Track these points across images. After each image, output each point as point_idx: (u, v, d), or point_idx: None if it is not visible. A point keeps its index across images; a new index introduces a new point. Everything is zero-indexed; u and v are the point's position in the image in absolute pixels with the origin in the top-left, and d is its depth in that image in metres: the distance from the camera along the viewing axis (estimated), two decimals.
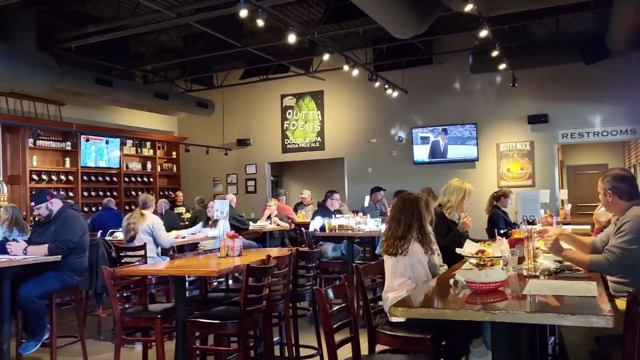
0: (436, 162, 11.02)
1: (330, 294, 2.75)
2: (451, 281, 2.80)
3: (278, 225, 8.62)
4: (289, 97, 12.60)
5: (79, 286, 5.11)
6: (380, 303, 3.57)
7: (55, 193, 5.21)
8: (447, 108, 10.94)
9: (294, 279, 4.70)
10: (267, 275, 3.82)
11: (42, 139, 9.57)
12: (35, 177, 9.39)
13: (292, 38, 7.53)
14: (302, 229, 7.88)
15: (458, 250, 3.56)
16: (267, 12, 6.53)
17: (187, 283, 5.19)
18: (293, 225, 9.02)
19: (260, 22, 6.39)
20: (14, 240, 5.10)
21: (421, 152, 11.17)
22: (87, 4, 8.25)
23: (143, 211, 6.22)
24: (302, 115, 12.47)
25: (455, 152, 10.92)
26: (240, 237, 4.56)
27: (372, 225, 6.89)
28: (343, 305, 2.97)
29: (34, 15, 8.17)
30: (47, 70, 8.44)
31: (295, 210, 10.17)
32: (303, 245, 7.51)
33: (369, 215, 7.49)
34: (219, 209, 4.66)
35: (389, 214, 5.99)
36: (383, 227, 6.50)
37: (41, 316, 4.71)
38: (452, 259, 3.84)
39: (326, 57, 8.79)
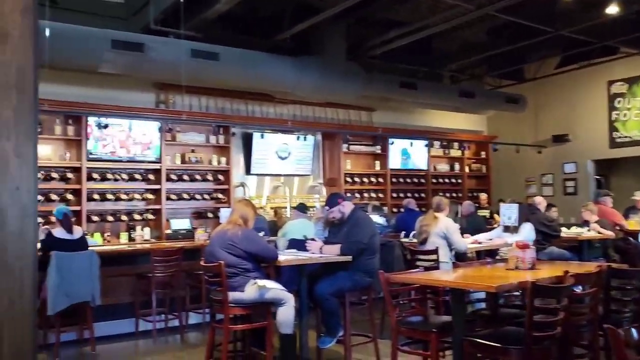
0: None
1: (635, 335, 1.96)
2: None
3: (599, 232, 7.32)
4: (618, 83, 10.76)
5: (371, 287, 5.13)
6: None
7: (345, 196, 5.37)
8: None
9: (608, 302, 3.77)
10: (559, 296, 3.09)
11: (354, 144, 10.25)
12: (348, 179, 10.10)
13: (612, 10, 6.28)
14: (631, 238, 6.50)
15: None
16: None
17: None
18: (621, 234, 7.55)
19: None
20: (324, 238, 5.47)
21: None
22: (390, 10, 8.45)
23: (436, 214, 5.96)
24: (636, 103, 10.51)
25: None
26: (532, 247, 3.87)
27: None
28: None
29: (344, 28, 8.79)
30: (355, 79, 8.98)
31: (626, 216, 8.53)
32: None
33: None
34: (506, 214, 4.05)
35: None
36: None
37: (336, 314, 4.84)
38: None
39: None
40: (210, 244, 4.58)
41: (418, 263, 5.50)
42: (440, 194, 10.51)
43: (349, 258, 4.79)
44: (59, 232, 5.50)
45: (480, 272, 3.92)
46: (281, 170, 9.41)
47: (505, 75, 11.32)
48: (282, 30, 8.10)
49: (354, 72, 8.97)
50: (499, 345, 3.15)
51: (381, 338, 5.38)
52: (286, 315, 4.45)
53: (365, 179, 10.35)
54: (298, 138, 9.34)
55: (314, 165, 9.85)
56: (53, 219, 5.73)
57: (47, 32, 6.15)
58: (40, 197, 7.17)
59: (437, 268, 5.21)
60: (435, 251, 5.42)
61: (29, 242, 1.49)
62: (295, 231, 6.20)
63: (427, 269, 4.26)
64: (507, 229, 6.10)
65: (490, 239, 6.12)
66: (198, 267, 4.96)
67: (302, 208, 7.06)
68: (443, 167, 11.59)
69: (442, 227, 5.70)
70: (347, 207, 5.03)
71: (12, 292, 1.45)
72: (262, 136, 9.06)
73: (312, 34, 8.55)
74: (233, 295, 4.38)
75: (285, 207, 8.97)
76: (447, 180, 11.54)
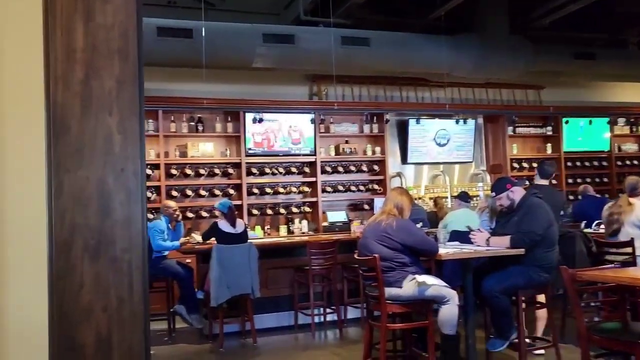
0: None
1: None
2: None
3: None
4: None
5: (548, 284, 4.47)
6: None
7: (515, 181, 4.75)
8: None
9: None
10: None
11: (521, 126, 9.30)
12: (515, 165, 9.20)
13: None
14: None
15: None
16: None
17: None
18: None
19: None
20: (490, 229, 4.92)
21: None
22: None
23: (631, 199, 5.03)
24: None
25: None
26: None
27: None
28: None
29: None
30: (520, 54, 8.10)
31: None
32: None
33: None
34: None
35: None
36: None
37: (507, 313, 4.30)
38: None
39: None
40: (364, 237, 4.31)
41: (607, 257, 4.70)
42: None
43: (521, 251, 4.21)
44: (224, 225, 5.62)
45: None
46: (440, 157, 8.84)
47: None
48: (435, 9, 7.55)
49: (519, 46, 8.08)
50: None
51: (562, 342, 4.72)
52: (449, 314, 4.05)
53: (534, 164, 9.33)
54: (457, 122, 8.70)
55: (476, 151, 9.13)
56: (217, 212, 5.86)
57: (203, 32, 6.37)
58: (204, 193, 7.51)
59: (633, 263, 4.37)
60: (630, 243, 4.56)
61: (137, 232, 1.28)
62: (457, 222, 5.68)
63: (623, 264, 3.51)
64: None
65: None
66: (354, 260, 4.71)
67: (464, 197, 6.51)
68: (630, 147, 10.10)
69: (638, 214, 4.79)
70: (517, 193, 4.43)
71: (121, 289, 1.26)
72: (417, 122, 8.58)
73: (469, 10, 7.86)
74: (390, 291, 4.06)
75: (446, 197, 8.42)
76: (635, 162, 10.02)
